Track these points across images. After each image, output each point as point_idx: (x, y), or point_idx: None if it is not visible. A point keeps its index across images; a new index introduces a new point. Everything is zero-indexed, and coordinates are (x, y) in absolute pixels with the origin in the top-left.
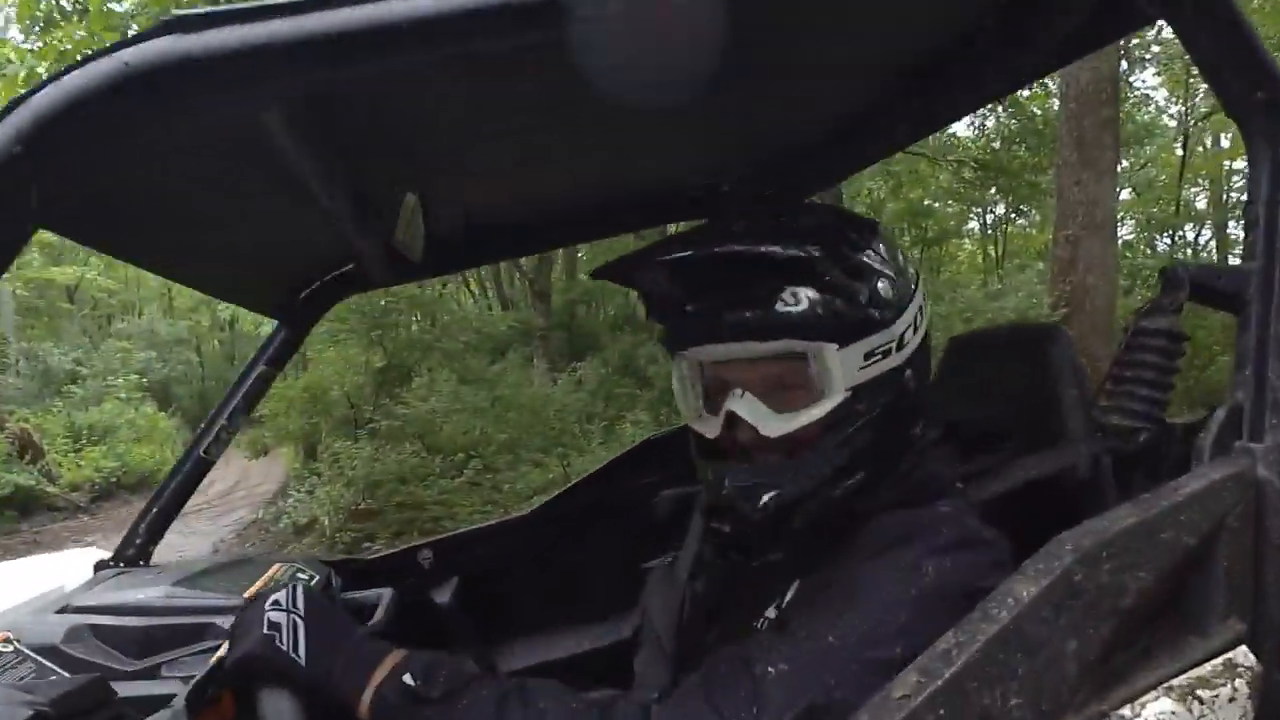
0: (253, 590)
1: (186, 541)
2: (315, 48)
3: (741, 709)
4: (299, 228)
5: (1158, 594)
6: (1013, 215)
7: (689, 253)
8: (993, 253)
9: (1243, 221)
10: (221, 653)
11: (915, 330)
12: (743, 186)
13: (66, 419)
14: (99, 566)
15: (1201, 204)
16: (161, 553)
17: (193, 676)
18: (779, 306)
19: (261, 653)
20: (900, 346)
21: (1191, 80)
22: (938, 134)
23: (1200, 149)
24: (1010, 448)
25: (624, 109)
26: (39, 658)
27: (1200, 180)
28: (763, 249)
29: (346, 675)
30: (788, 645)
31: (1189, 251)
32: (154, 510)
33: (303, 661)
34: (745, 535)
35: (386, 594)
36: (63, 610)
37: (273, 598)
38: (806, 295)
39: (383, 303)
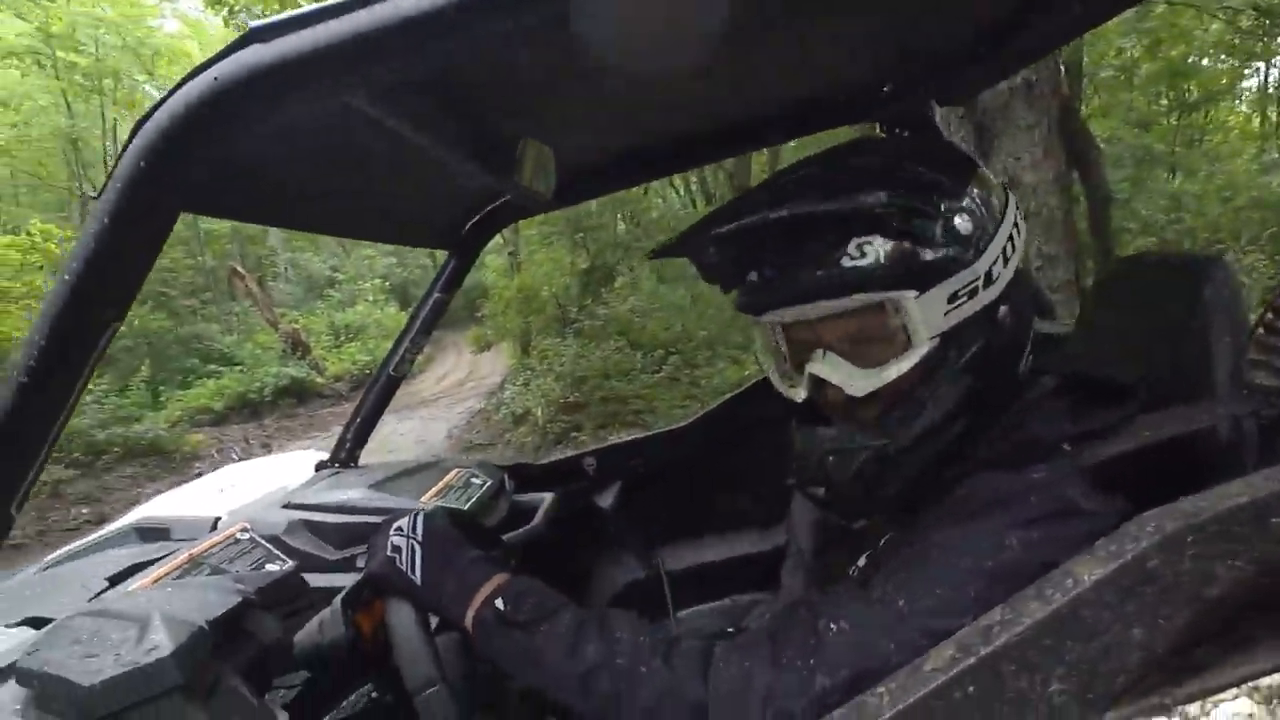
0: (429, 495)
1: (428, 428)
2: (378, 41)
3: (799, 659)
4: (447, 176)
5: (1259, 583)
6: None
7: (740, 223)
8: (1273, 117)
9: None
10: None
11: (1006, 261)
12: (905, 88)
13: (327, 319)
14: (319, 466)
15: None
16: (405, 437)
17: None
18: (845, 262)
19: (383, 572)
20: (989, 282)
21: None
22: None
23: None
24: (1137, 402)
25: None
26: (268, 545)
27: None
28: (819, 208)
29: (454, 597)
30: (858, 604)
31: None
32: (358, 420)
33: (418, 581)
34: (841, 499)
35: (547, 499)
36: (286, 505)
37: (397, 524)
38: (874, 246)
39: (594, 205)
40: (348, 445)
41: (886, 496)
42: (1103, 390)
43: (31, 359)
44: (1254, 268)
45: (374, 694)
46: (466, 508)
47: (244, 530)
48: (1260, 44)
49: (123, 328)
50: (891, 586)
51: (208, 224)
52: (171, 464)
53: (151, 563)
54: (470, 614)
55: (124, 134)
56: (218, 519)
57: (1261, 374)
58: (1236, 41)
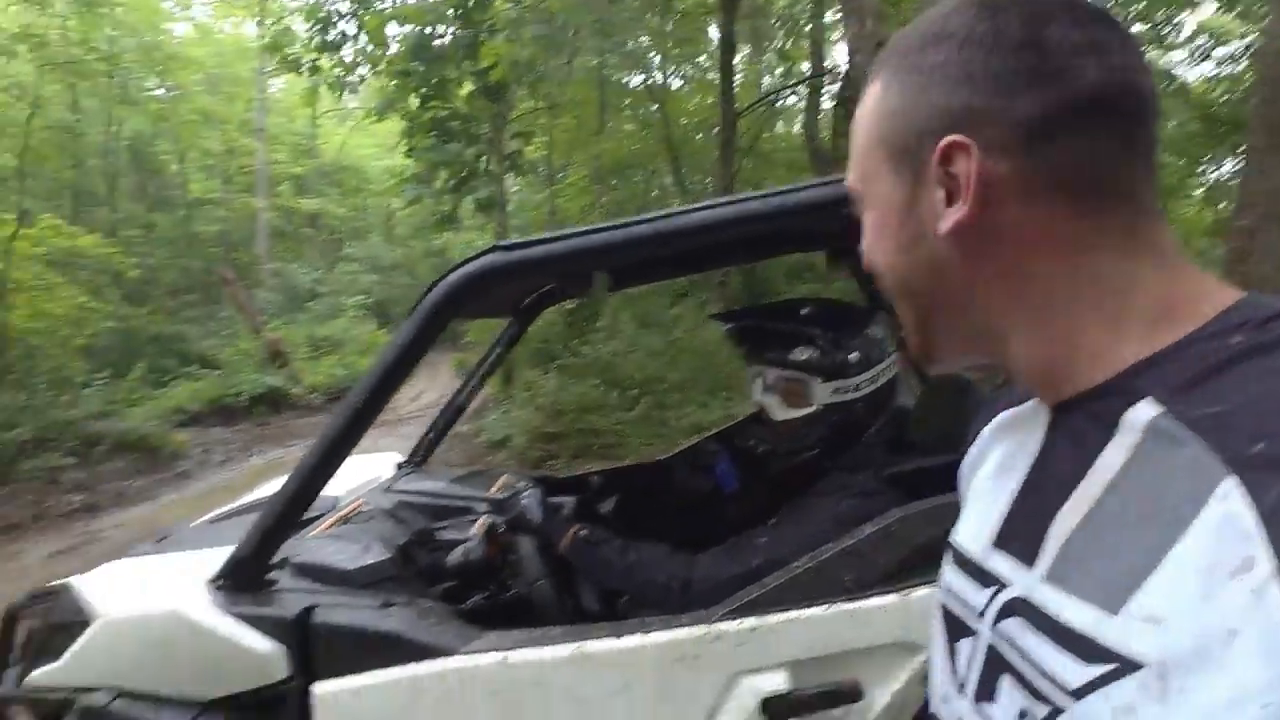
0: (495, 488)
1: (404, 445)
2: (567, 258)
3: (743, 555)
4: None
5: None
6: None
7: (752, 321)
8: (1223, 213)
9: None
10: (489, 520)
11: (873, 383)
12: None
13: (307, 331)
14: (399, 465)
15: None
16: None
17: (466, 535)
18: (793, 355)
19: (522, 517)
20: (856, 390)
21: None
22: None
23: None
24: (918, 448)
25: None
26: (383, 515)
27: None
28: (791, 325)
29: (557, 532)
30: (771, 532)
31: None
32: (430, 434)
33: (538, 523)
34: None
35: (570, 501)
36: (388, 490)
37: (525, 494)
38: (808, 351)
39: None
40: (421, 452)
41: (781, 468)
42: (905, 443)
43: (365, 393)
44: None
45: (487, 595)
46: None
47: (365, 505)
48: (1209, 148)
49: (107, 323)
50: (786, 523)
51: (194, 226)
52: (157, 460)
53: (311, 520)
54: (565, 539)
55: (127, 131)
56: (337, 497)
57: None
58: (1187, 144)
